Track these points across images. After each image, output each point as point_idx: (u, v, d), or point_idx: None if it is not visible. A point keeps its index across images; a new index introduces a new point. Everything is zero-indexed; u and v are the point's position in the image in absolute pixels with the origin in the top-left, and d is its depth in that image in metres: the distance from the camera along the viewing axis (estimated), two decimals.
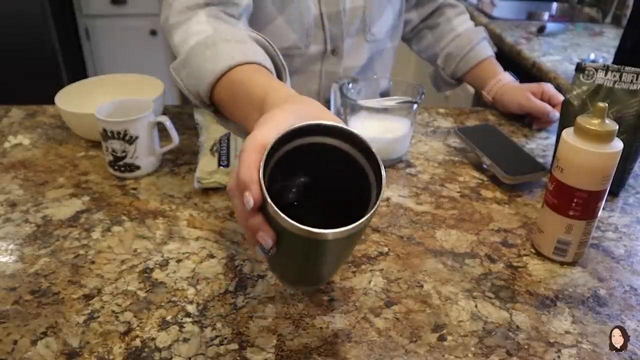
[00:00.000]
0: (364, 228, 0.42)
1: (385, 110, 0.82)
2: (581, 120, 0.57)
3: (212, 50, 0.64)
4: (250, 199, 0.39)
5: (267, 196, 0.39)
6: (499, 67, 1.06)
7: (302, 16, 0.89)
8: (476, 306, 0.56)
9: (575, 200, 0.58)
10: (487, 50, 1.07)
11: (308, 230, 0.38)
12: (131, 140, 0.74)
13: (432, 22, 1.12)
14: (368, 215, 0.40)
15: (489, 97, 1.03)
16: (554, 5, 2.23)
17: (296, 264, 0.45)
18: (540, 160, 0.83)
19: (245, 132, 0.64)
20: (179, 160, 0.83)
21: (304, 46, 0.92)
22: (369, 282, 0.59)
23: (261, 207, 0.41)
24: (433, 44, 1.13)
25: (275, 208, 0.39)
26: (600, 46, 1.69)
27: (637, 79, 0.70)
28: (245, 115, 0.56)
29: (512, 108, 0.99)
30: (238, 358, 0.49)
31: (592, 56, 1.56)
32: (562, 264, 0.63)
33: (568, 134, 0.59)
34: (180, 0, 0.73)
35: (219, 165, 0.74)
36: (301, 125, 0.42)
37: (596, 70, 0.73)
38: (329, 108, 0.92)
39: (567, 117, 0.75)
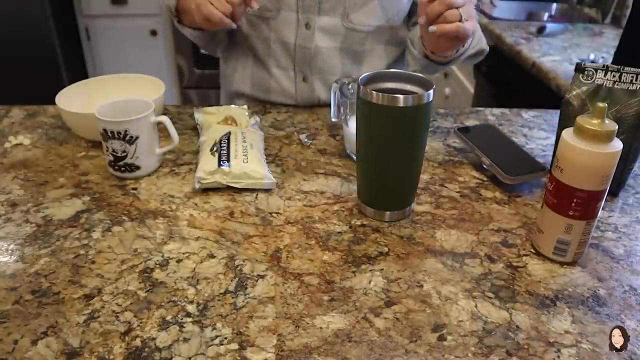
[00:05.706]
0: (425, 107, 0.62)
1: None
2: (581, 120, 0.57)
3: None
4: None
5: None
6: None
7: None
8: (476, 306, 0.56)
9: (575, 200, 0.58)
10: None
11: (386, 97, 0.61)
12: (131, 141, 0.74)
13: None
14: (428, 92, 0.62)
15: (421, 43, 0.91)
16: (554, 5, 2.23)
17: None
18: (540, 160, 0.83)
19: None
20: (179, 160, 0.83)
21: (275, 10, 0.95)
22: (369, 282, 0.59)
23: None
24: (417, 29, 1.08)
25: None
26: (599, 46, 1.69)
27: (636, 79, 0.70)
28: None
29: (420, 22, 0.79)
30: (238, 358, 0.50)
31: (592, 56, 1.56)
32: (561, 264, 0.63)
33: (568, 134, 0.59)
34: None
35: (219, 165, 0.74)
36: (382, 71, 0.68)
37: (596, 70, 0.73)
38: (329, 107, 0.93)
39: (567, 117, 0.75)
